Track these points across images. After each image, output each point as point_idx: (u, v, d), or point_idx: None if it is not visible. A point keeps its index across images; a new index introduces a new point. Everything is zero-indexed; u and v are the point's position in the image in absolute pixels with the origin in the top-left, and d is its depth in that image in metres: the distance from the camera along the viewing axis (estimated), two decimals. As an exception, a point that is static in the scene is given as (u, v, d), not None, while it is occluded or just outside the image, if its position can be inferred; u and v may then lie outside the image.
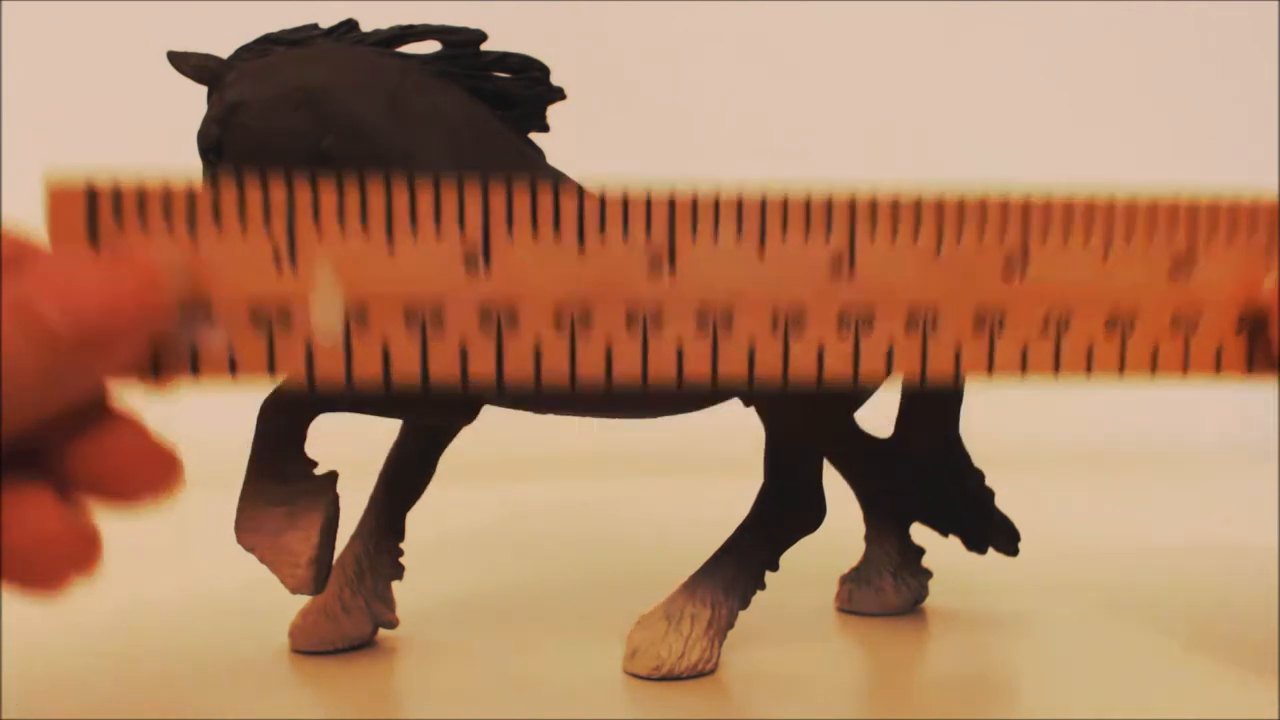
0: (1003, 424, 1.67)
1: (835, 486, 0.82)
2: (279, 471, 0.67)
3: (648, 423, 0.83)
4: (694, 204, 0.44)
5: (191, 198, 0.46)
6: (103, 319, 0.41)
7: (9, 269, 0.42)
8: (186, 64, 0.72)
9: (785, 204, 0.44)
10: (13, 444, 0.41)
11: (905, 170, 2.10)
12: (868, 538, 0.91)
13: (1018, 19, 2.20)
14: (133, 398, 0.47)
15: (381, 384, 0.44)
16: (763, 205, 0.44)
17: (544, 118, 0.79)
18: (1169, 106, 2.28)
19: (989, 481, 0.89)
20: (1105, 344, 0.46)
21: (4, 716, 0.64)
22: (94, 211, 0.47)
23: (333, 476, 0.69)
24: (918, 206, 0.45)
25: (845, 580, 0.91)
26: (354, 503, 0.78)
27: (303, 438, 0.68)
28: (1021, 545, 0.89)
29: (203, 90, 0.73)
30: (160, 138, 1.35)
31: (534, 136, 0.79)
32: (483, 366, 0.43)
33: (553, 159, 0.79)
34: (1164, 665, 0.76)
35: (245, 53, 0.73)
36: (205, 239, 0.45)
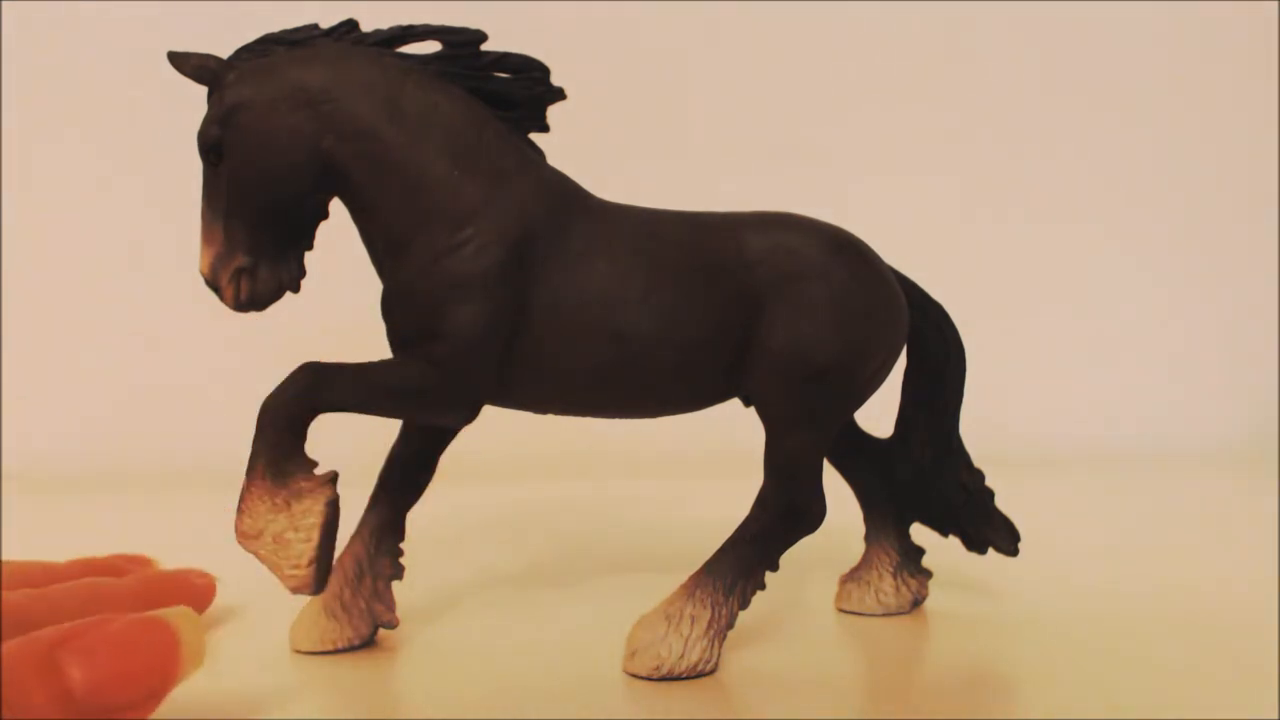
0: (1003, 424, 1.68)
1: (835, 486, 0.82)
2: (279, 471, 0.67)
3: (648, 423, 0.83)
4: None
5: None
6: (120, 687, 0.52)
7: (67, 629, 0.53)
8: (186, 64, 0.72)
9: None
10: None
11: (904, 171, 2.08)
12: (868, 538, 0.91)
13: (1013, 19, 2.20)
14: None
15: None
16: None
17: (544, 118, 0.79)
18: (1170, 105, 2.27)
19: (989, 481, 0.89)
20: None
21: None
22: None
23: (333, 476, 0.69)
24: None
25: (845, 580, 0.91)
26: (354, 503, 0.78)
27: (303, 438, 0.68)
28: (1021, 545, 0.89)
29: (203, 90, 0.73)
30: (160, 138, 1.35)
31: (534, 137, 0.79)
32: None
33: (552, 159, 0.79)
34: (1164, 665, 0.76)
35: (245, 53, 0.73)
36: None
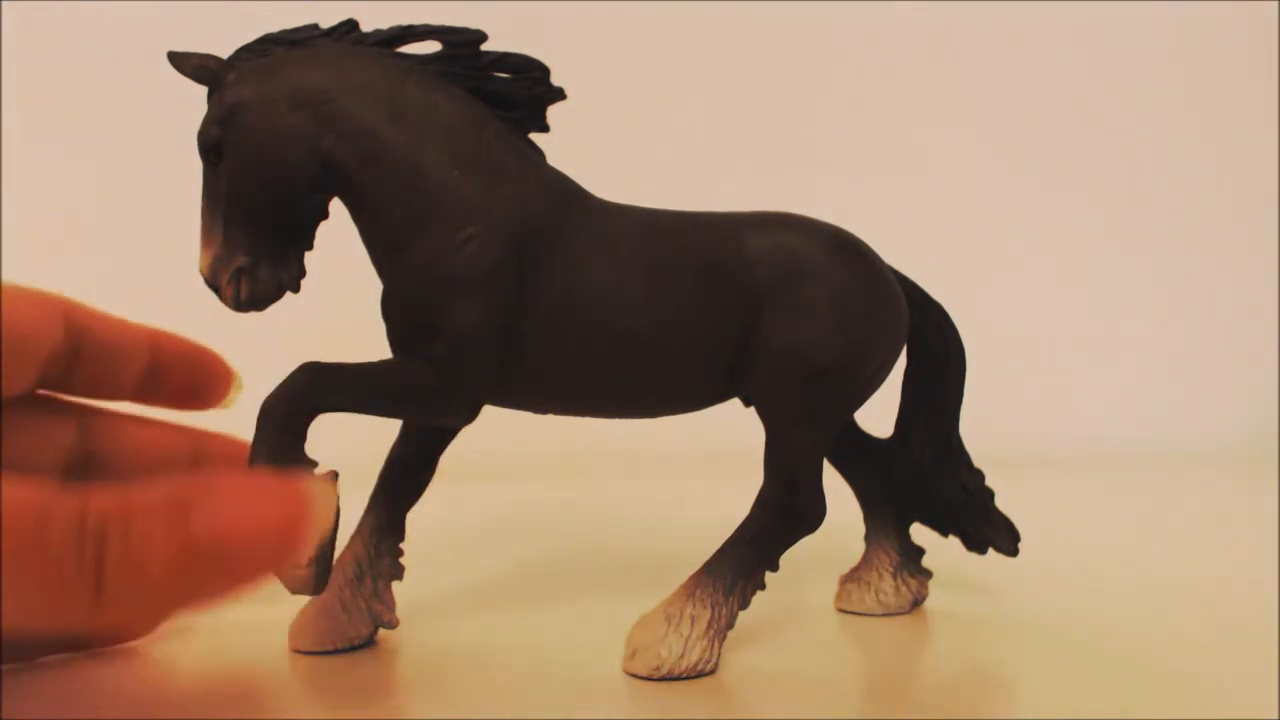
0: (1003, 424, 1.67)
1: (835, 486, 0.82)
2: (279, 471, 0.67)
3: (648, 423, 0.83)
4: None
5: None
6: (244, 545, 0.49)
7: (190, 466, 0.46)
8: (186, 64, 0.72)
9: None
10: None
11: (904, 171, 2.08)
12: (868, 538, 0.91)
13: (1012, 20, 2.20)
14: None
15: None
16: None
17: (544, 118, 0.79)
18: (1170, 105, 2.27)
19: (989, 481, 0.89)
20: None
21: (4, 716, 0.64)
22: None
23: (333, 476, 0.69)
24: None
25: (845, 580, 0.91)
26: (354, 503, 0.78)
27: (303, 438, 0.68)
28: (1021, 545, 0.89)
29: (202, 90, 0.73)
30: (160, 138, 1.35)
31: (534, 137, 0.79)
32: None
33: (552, 159, 0.79)
34: (1163, 665, 0.76)
35: (245, 53, 0.73)
36: None
